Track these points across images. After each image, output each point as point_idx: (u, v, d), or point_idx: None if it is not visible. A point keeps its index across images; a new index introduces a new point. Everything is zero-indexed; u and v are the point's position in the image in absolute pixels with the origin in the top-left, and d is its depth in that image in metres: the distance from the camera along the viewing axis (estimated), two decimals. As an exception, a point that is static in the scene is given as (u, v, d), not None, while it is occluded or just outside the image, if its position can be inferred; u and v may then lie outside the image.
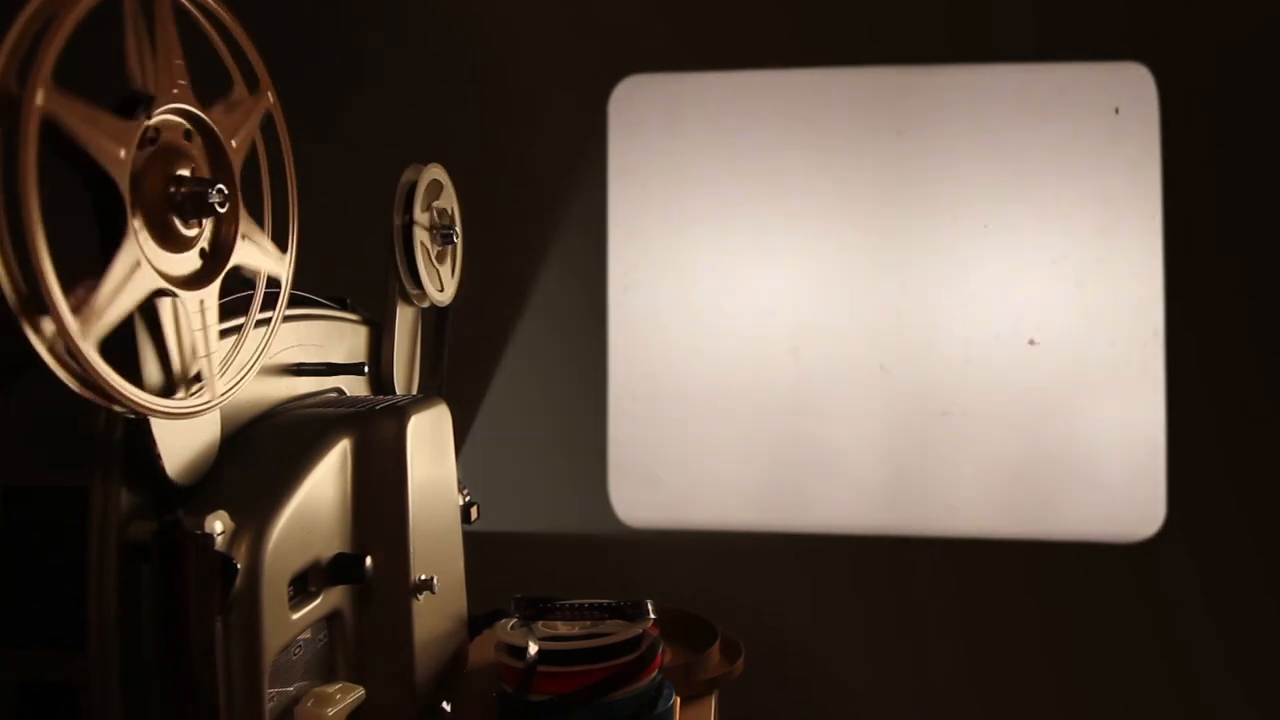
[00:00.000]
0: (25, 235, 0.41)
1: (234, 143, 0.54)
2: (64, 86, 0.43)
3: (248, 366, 0.58)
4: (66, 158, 0.44)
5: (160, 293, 0.50)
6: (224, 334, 0.57)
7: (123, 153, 0.46)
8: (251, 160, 0.57)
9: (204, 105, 0.52)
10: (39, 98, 0.41)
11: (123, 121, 0.46)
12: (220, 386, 0.55)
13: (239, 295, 0.59)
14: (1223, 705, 1.20)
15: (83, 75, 0.45)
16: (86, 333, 0.44)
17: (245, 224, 0.55)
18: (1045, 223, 1.23)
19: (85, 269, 0.46)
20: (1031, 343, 1.18)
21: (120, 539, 0.51)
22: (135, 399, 0.47)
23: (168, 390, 0.52)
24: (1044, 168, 1.23)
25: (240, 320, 0.59)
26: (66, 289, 0.43)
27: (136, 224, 0.48)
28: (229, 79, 0.56)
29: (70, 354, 0.44)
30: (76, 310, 0.44)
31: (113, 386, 0.46)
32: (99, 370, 0.45)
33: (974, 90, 1.24)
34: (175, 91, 0.49)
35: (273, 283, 0.61)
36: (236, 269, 0.56)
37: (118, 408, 0.47)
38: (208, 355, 0.54)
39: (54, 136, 0.43)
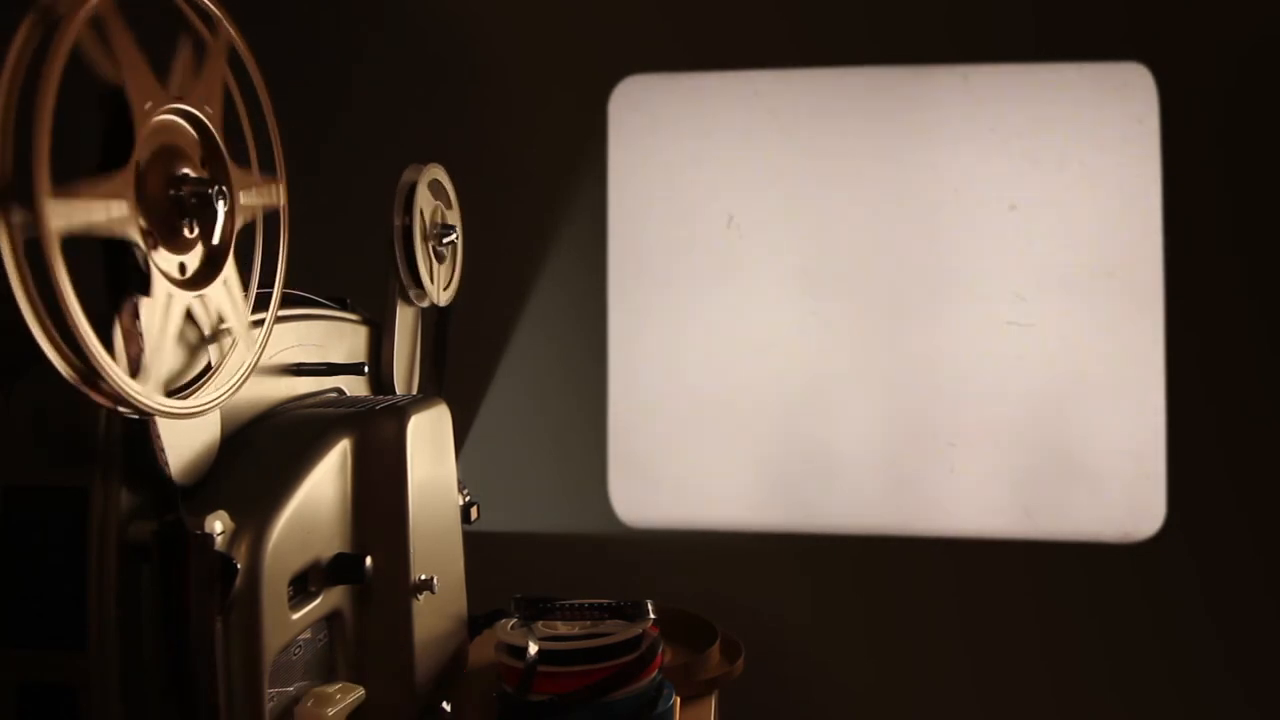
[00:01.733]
0: (74, 332, 0.43)
1: (208, 108, 0.53)
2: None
3: (247, 366, 0.58)
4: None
5: (191, 301, 0.52)
6: (224, 334, 0.57)
7: (126, 207, 0.46)
8: (227, 102, 0.57)
9: (164, 82, 0.51)
10: (53, 220, 0.42)
11: (114, 178, 0.46)
12: (221, 386, 0.55)
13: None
14: (1223, 705, 1.20)
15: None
16: (147, 386, 0.48)
17: (237, 178, 0.55)
18: (1045, 222, 1.23)
19: (110, 301, 0.47)
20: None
21: (120, 539, 0.51)
22: (142, 400, 0.47)
23: (177, 389, 0.52)
24: (1044, 167, 1.23)
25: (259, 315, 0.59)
26: (108, 343, 0.45)
27: (155, 258, 0.49)
28: (180, 25, 0.55)
29: (135, 408, 0.47)
30: (134, 374, 0.47)
31: (123, 390, 0.46)
32: (111, 371, 0.45)
33: (974, 90, 1.24)
34: (148, 105, 0.49)
35: (270, 250, 0.61)
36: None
37: (124, 409, 0.47)
38: (243, 324, 0.56)
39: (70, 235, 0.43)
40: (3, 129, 0.41)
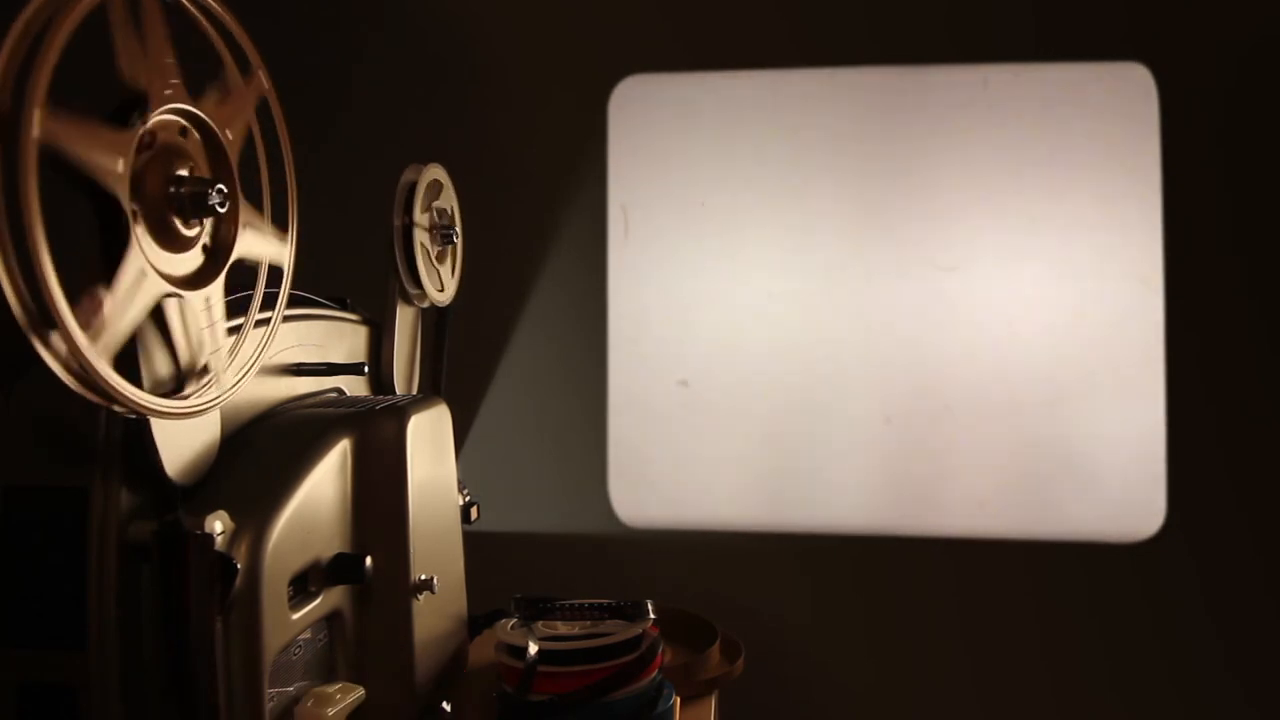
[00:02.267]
0: (32, 258, 0.41)
1: (229, 133, 0.54)
2: (58, 96, 0.42)
3: (248, 366, 0.58)
4: (66, 177, 0.44)
5: (166, 295, 0.50)
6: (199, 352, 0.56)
7: (120, 164, 0.46)
8: (249, 145, 0.57)
9: (197, 97, 0.52)
10: (35, 125, 0.41)
11: (118, 132, 0.46)
12: (222, 385, 0.55)
13: (239, 295, 0.59)
14: (1223, 705, 1.20)
15: (74, 80, 0.45)
16: (98, 348, 0.45)
17: (245, 213, 0.55)
18: (1045, 222, 1.23)
19: (88, 276, 0.46)
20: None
21: (120, 539, 0.51)
22: (138, 400, 0.47)
23: (171, 390, 0.52)
24: (1044, 168, 1.23)
25: (240, 320, 0.59)
26: (73, 301, 0.43)
27: (139, 231, 0.48)
28: (219, 66, 0.55)
29: (82, 367, 0.44)
30: (86, 326, 0.44)
31: (115, 388, 0.46)
32: (104, 375, 0.45)
33: (974, 90, 1.24)
34: (168, 92, 0.49)
35: (273, 279, 0.61)
36: (239, 261, 0.56)
37: (118, 408, 0.47)
38: (216, 351, 0.55)
39: (53, 157, 0.43)
40: (12, 53, 0.41)
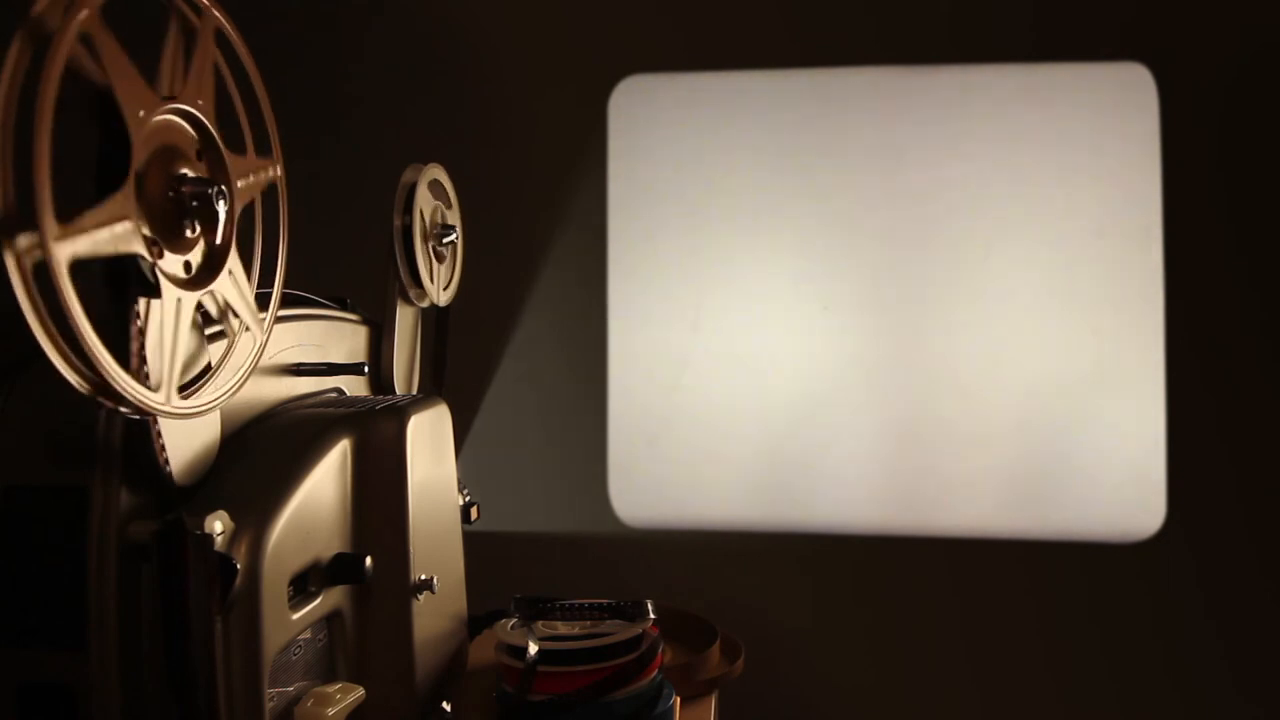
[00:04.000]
0: (83, 345, 0.43)
1: (200, 100, 0.53)
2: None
3: (247, 365, 0.58)
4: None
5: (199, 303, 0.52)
6: (222, 335, 0.57)
7: (129, 225, 0.46)
8: (220, 88, 0.57)
9: (154, 83, 0.51)
10: (60, 254, 0.42)
11: (114, 200, 0.46)
12: (222, 386, 0.55)
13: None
14: (1223, 705, 1.20)
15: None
16: (168, 398, 0.49)
17: (234, 167, 0.55)
18: (1045, 222, 1.23)
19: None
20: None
21: (120, 539, 0.51)
22: (145, 400, 0.47)
23: (173, 390, 0.52)
24: (1044, 168, 1.23)
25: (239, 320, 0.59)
26: (123, 356, 0.46)
27: (162, 265, 0.49)
28: (166, 17, 0.54)
29: (97, 374, 0.46)
30: (139, 377, 0.47)
31: (125, 389, 0.46)
32: (116, 378, 0.45)
33: (974, 90, 1.24)
34: (142, 113, 0.48)
35: (270, 230, 0.61)
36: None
37: (124, 408, 0.47)
38: (253, 314, 0.56)
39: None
40: (2, 156, 0.41)
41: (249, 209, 0.58)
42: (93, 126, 0.47)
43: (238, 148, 0.56)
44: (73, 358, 0.43)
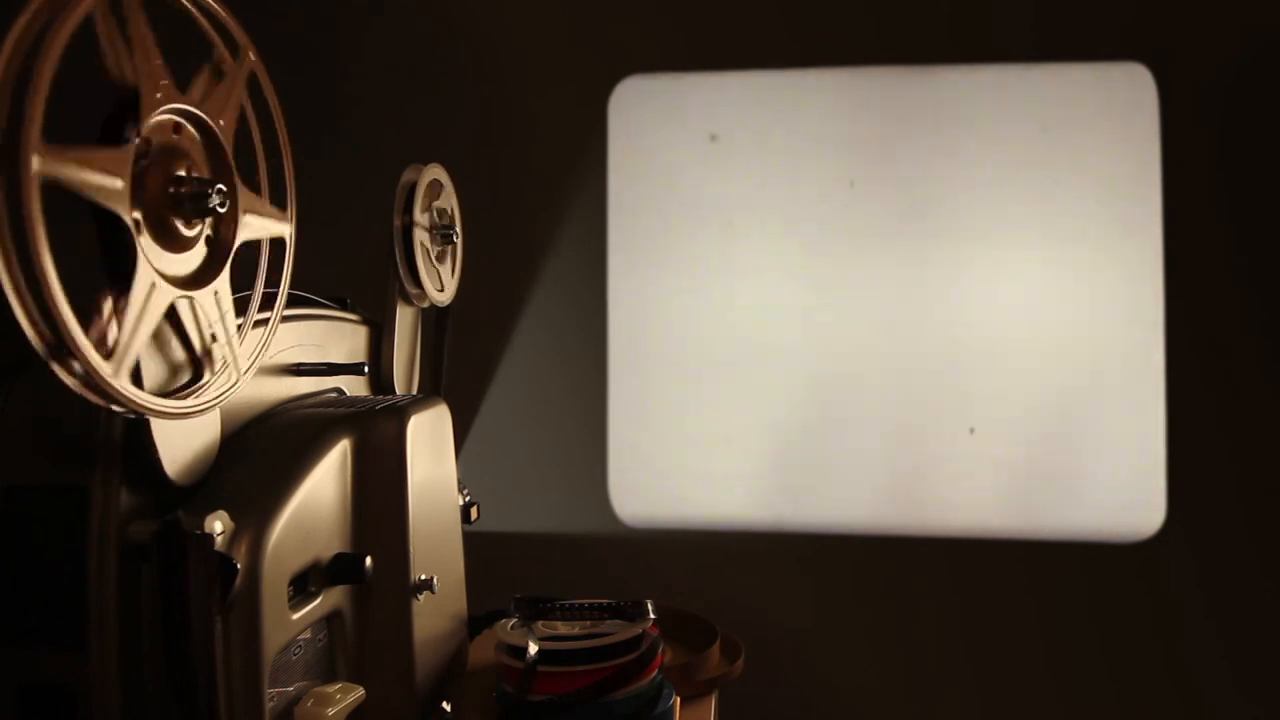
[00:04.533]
0: (44, 291, 0.41)
1: (222, 122, 0.54)
2: (51, 119, 0.42)
3: (248, 366, 0.58)
4: (67, 196, 0.44)
5: (176, 299, 0.51)
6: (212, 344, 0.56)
7: (120, 182, 0.46)
8: (243, 125, 0.57)
9: (185, 91, 0.52)
10: (35, 164, 0.41)
11: (114, 150, 0.46)
12: (225, 383, 0.55)
13: (238, 295, 0.59)
14: (1223, 705, 1.20)
15: (64, 89, 0.44)
16: (118, 370, 0.46)
17: (244, 198, 0.55)
18: (1045, 222, 1.23)
19: (95, 285, 0.46)
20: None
21: (120, 539, 0.51)
22: (140, 401, 0.47)
23: (176, 389, 0.52)
24: (1044, 168, 1.23)
25: (239, 320, 0.59)
26: (84, 318, 0.44)
27: (144, 243, 0.48)
28: (205, 51, 0.55)
29: (89, 375, 0.45)
30: (103, 349, 0.45)
31: (120, 391, 0.46)
32: (111, 382, 0.45)
33: (974, 90, 1.24)
34: (159, 95, 0.49)
35: (273, 275, 0.61)
36: (242, 247, 0.56)
37: (116, 408, 0.47)
38: (229, 345, 0.55)
39: (54, 186, 0.43)
40: (2, 85, 0.41)
41: (253, 254, 0.58)
42: (108, 104, 0.47)
43: (252, 188, 0.57)
44: (36, 314, 0.42)
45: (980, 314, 1.24)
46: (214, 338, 0.54)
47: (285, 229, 0.60)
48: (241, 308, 0.58)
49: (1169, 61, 1.19)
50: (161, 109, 0.49)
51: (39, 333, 0.42)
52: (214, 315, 0.54)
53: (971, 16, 1.23)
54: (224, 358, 0.55)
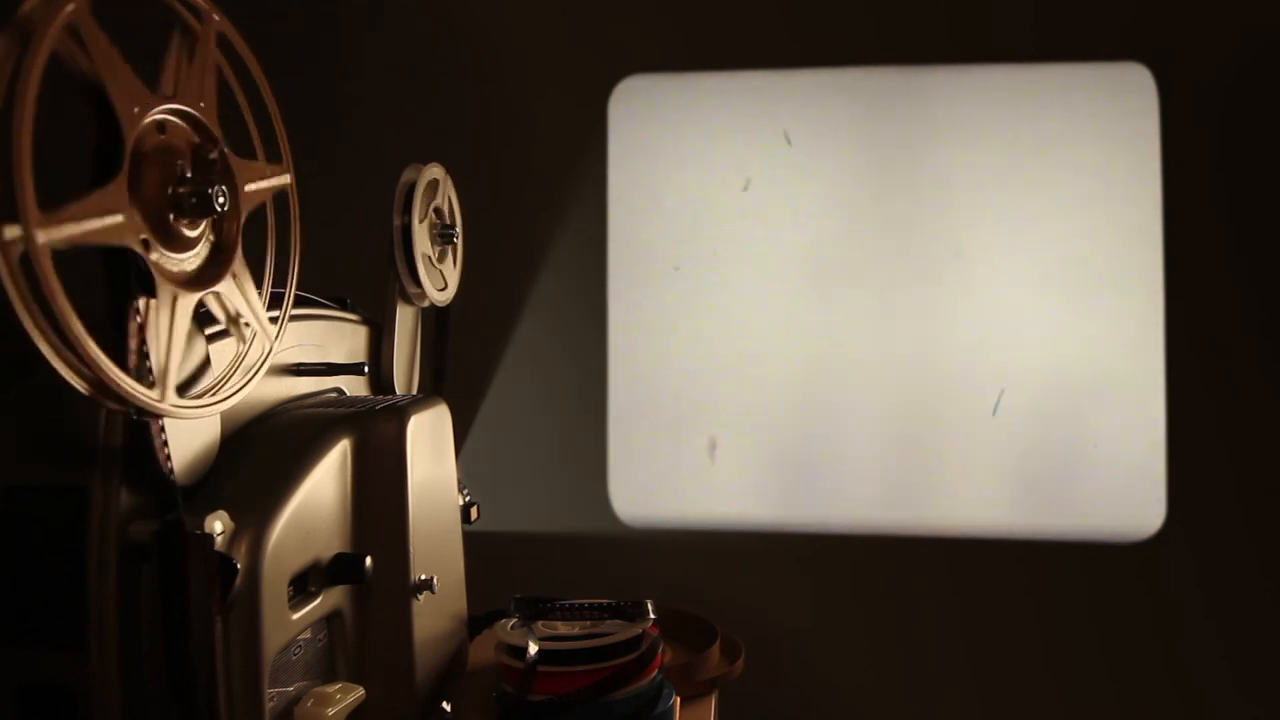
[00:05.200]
0: (79, 349, 0.43)
1: (202, 103, 0.53)
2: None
3: (258, 365, 0.58)
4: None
5: (202, 303, 0.52)
6: (225, 334, 0.57)
7: (120, 218, 0.46)
8: (226, 93, 0.56)
9: (156, 73, 0.51)
10: (40, 239, 0.41)
11: (106, 191, 0.46)
12: (234, 385, 0.55)
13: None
14: (1223, 705, 1.20)
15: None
16: (164, 395, 0.48)
17: (240, 171, 0.55)
18: (1045, 222, 1.23)
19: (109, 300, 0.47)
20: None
21: (120, 539, 0.51)
22: (151, 402, 0.47)
23: (169, 389, 0.52)
24: (1044, 168, 1.23)
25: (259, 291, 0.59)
26: (120, 358, 0.46)
27: (155, 260, 0.49)
28: (170, 22, 0.54)
29: (146, 411, 0.47)
30: (142, 378, 0.47)
31: (133, 393, 0.46)
32: (123, 383, 0.46)
33: (974, 90, 1.24)
34: (136, 110, 0.48)
35: (279, 279, 0.61)
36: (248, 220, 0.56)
37: (114, 404, 0.47)
38: (257, 318, 0.56)
39: (61, 250, 0.43)
40: None
41: (260, 215, 0.58)
42: (90, 128, 0.47)
43: (246, 154, 0.56)
44: (65, 352, 0.43)
45: (980, 313, 1.24)
46: (238, 313, 0.55)
47: (285, 179, 0.60)
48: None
49: (1169, 61, 1.19)
50: (142, 121, 0.49)
51: (83, 378, 0.44)
52: (238, 298, 0.55)
53: (971, 16, 1.23)
54: (254, 331, 0.56)
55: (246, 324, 0.56)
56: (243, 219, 0.54)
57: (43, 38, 0.42)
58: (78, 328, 0.43)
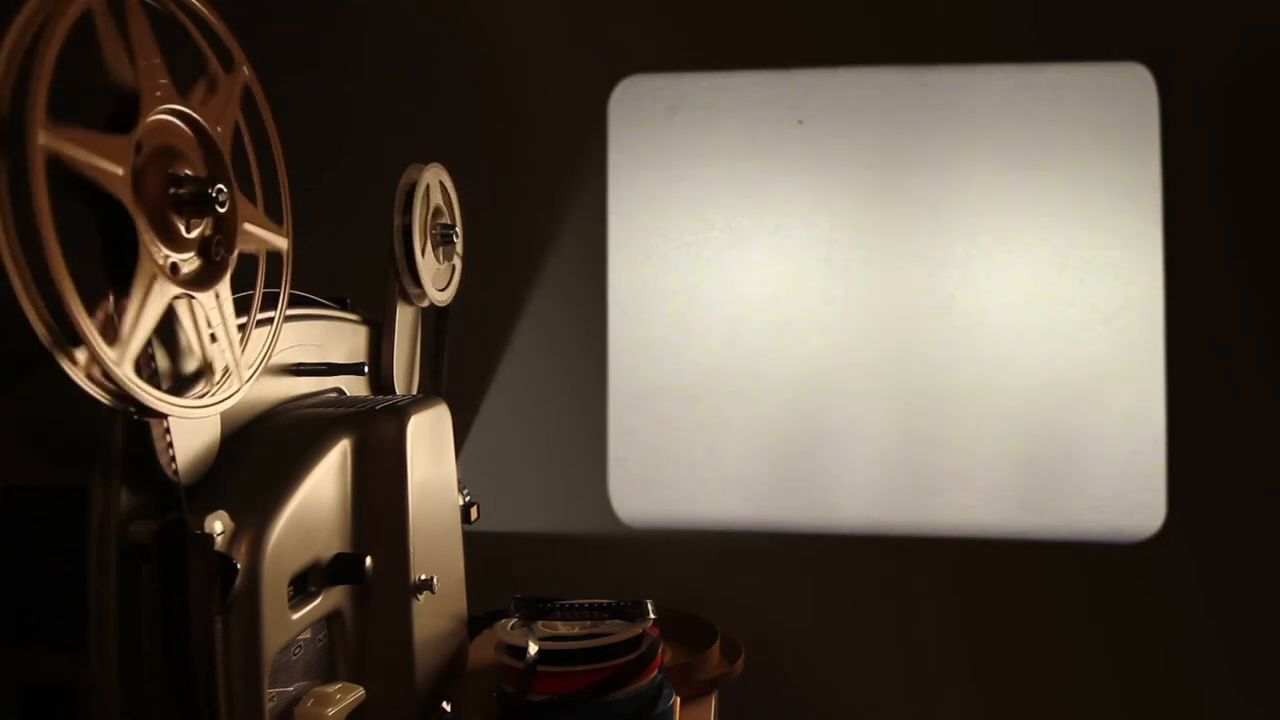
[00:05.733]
0: (53, 275, 0.42)
1: (220, 129, 0.54)
2: (52, 108, 0.43)
3: (255, 365, 0.58)
4: (69, 186, 0.44)
5: (176, 297, 0.51)
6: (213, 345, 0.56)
7: (121, 170, 0.46)
8: (236, 140, 0.57)
9: (184, 95, 0.52)
10: (40, 137, 0.41)
11: (115, 138, 0.46)
12: (234, 384, 0.55)
13: (240, 294, 0.59)
14: (1223, 705, 1.20)
15: (64, 89, 0.45)
16: (121, 359, 0.46)
17: (243, 207, 0.55)
18: (1045, 222, 1.23)
19: (96, 282, 0.46)
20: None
21: (120, 539, 0.51)
22: (145, 396, 0.47)
23: (182, 390, 0.52)
24: (1044, 168, 1.23)
25: (243, 320, 0.59)
26: (89, 311, 0.44)
27: (145, 234, 0.48)
28: (201, 62, 0.55)
29: (105, 375, 0.45)
30: (109, 339, 0.45)
31: (136, 391, 0.46)
32: (126, 380, 0.45)
33: (974, 90, 1.24)
34: (159, 93, 0.49)
35: (273, 274, 0.61)
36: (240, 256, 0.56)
37: (134, 410, 0.47)
38: (231, 350, 0.55)
39: (55, 167, 0.43)
40: (7, 67, 0.41)
41: (251, 267, 0.58)
42: (108, 100, 0.47)
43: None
44: (40, 301, 0.43)
45: (980, 314, 1.24)
46: (214, 338, 0.54)
47: (282, 243, 0.60)
48: (240, 309, 0.58)
49: (1169, 61, 1.19)
50: (160, 108, 0.49)
51: (43, 319, 0.42)
52: (215, 318, 0.54)
53: (971, 16, 1.23)
54: (227, 364, 0.55)
55: (215, 342, 0.56)
56: (236, 248, 0.55)
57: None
58: (56, 260, 0.42)
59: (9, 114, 0.41)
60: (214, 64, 0.55)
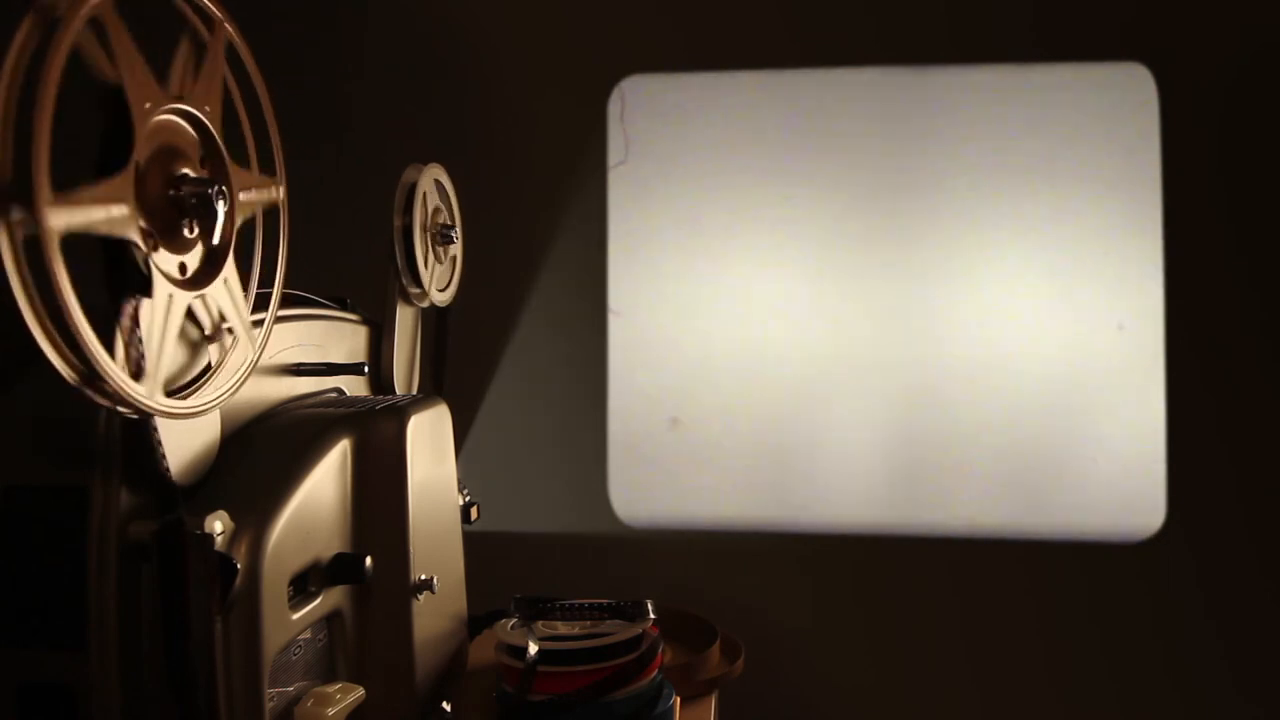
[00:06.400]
0: (71, 328, 0.42)
1: (207, 107, 0.53)
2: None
3: (248, 365, 0.58)
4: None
5: (190, 307, 0.52)
6: (225, 332, 0.57)
7: (125, 209, 0.46)
8: (226, 101, 0.57)
9: (165, 82, 0.51)
10: (51, 220, 0.41)
11: (114, 180, 0.46)
12: (221, 386, 0.55)
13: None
14: (1223, 705, 1.20)
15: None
16: (152, 391, 0.48)
17: (237, 178, 0.55)
18: (1045, 222, 1.23)
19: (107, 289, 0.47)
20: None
21: (120, 539, 0.51)
22: (143, 400, 0.47)
23: (171, 390, 0.52)
24: (1044, 168, 1.23)
25: (261, 315, 0.59)
26: (108, 342, 0.45)
27: (155, 257, 0.48)
28: (180, 28, 0.55)
29: (135, 408, 0.47)
30: (135, 375, 0.46)
31: (125, 390, 0.46)
32: (116, 379, 0.45)
33: (974, 90, 1.24)
34: (148, 105, 0.49)
35: (269, 278, 0.61)
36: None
37: (123, 408, 0.47)
38: (243, 325, 0.56)
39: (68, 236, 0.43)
40: (2, 130, 0.41)
41: (249, 224, 0.58)
42: (99, 120, 0.47)
43: (241, 162, 0.57)
44: (59, 340, 0.43)
45: (980, 314, 1.24)
46: (223, 318, 0.55)
47: (276, 193, 0.60)
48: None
49: (1169, 61, 1.19)
50: (153, 117, 0.49)
51: (72, 367, 0.43)
52: (226, 303, 0.54)
53: (971, 16, 1.23)
54: (237, 337, 0.56)
55: (230, 329, 0.56)
56: (236, 225, 0.54)
57: (69, 25, 0.42)
58: (77, 315, 0.42)
59: (14, 188, 0.41)
60: (196, 26, 0.54)
